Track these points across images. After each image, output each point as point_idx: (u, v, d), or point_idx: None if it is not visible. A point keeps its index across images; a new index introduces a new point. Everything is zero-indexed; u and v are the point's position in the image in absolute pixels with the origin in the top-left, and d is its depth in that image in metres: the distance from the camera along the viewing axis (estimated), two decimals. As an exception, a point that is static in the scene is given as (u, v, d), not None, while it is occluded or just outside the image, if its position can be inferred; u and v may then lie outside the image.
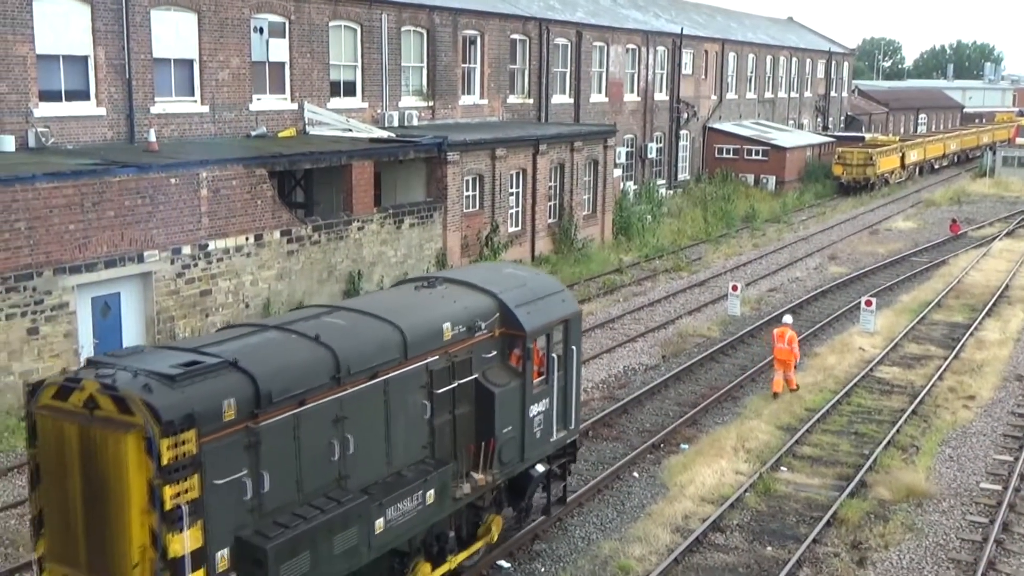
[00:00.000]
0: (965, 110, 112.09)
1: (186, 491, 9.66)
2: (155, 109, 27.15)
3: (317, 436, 11.09)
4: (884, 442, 19.73)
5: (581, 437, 16.72)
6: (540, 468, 15.14)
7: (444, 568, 13.46)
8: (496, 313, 13.89)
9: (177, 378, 9.90)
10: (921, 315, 30.15)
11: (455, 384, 13.08)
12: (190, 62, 28.18)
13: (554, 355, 14.75)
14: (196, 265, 23.46)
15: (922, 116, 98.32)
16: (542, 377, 14.57)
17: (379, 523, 11.66)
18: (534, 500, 15.64)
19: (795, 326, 24.34)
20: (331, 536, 10.93)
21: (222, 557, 10.13)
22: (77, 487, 9.96)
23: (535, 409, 14.45)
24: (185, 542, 9.68)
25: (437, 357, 12.79)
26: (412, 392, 12.44)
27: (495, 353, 13.88)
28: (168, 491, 9.49)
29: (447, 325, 13.06)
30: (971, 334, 28.10)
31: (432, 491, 12.48)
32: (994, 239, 44.35)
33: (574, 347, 15.20)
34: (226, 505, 10.11)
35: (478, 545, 14.26)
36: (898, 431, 20.48)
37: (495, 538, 14.57)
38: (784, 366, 22.90)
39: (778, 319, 29.26)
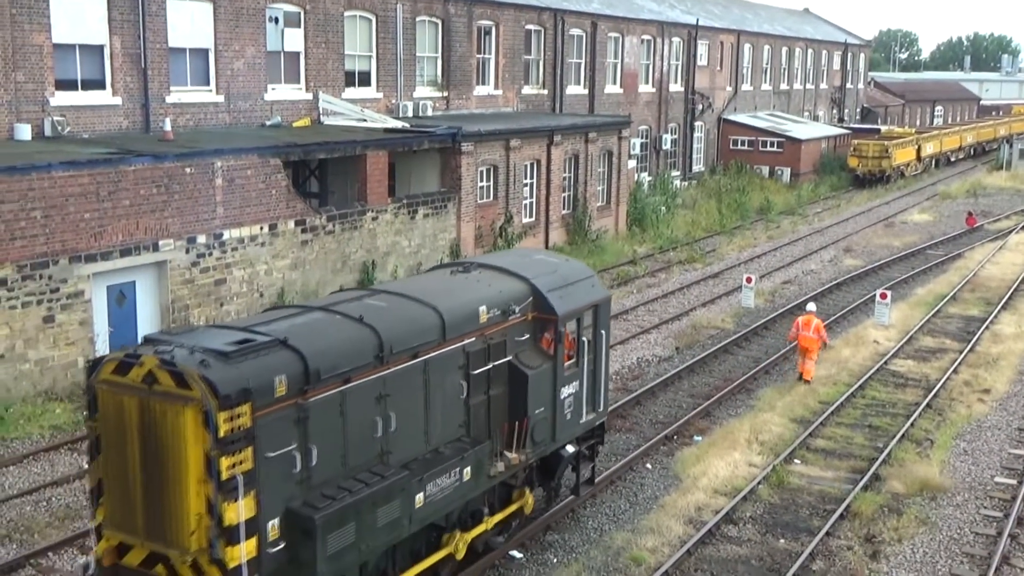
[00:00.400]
0: (982, 102, 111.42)
1: (241, 462, 10.06)
2: (170, 98, 27.20)
3: (361, 413, 11.51)
4: (898, 435, 19.65)
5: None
6: (570, 449, 15.47)
7: (480, 528, 13.88)
8: (529, 297, 14.29)
9: (232, 355, 10.29)
10: (936, 308, 30.00)
11: (490, 366, 13.46)
12: (205, 51, 28.21)
13: (584, 339, 15.11)
14: (211, 254, 23.52)
15: (938, 108, 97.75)
16: (572, 360, 14.91)
17: (419, 497, 12.07)
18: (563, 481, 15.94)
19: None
20: (375, 509, 11.29)
21: (273, 526, 10.51)
22: (136, 458, 10.36)
23: (566, 391, 14.84)
24: (240, 511, 10.05)
25: (473, 339, 13.20)
26: (450, 372, 12.84)
27: (528, 336, 14.28)
28: (224, 462, 9.89)
29: (483, 308, 13.45)
30: (987, 327, 27.95)
31: (469, 468, 12.88)
32: (1010, 232, 44.07)
33: (603, 331, 15.55)
34: (277, 477, 10.51)
35: (513, 507, 14.63)
36: (912, 424, 20.40)
37: (530, 507, 15.03)
38: (809, 355, 22.97)
39: (792, 311, 29.22)
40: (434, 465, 12.38)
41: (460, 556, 13.52)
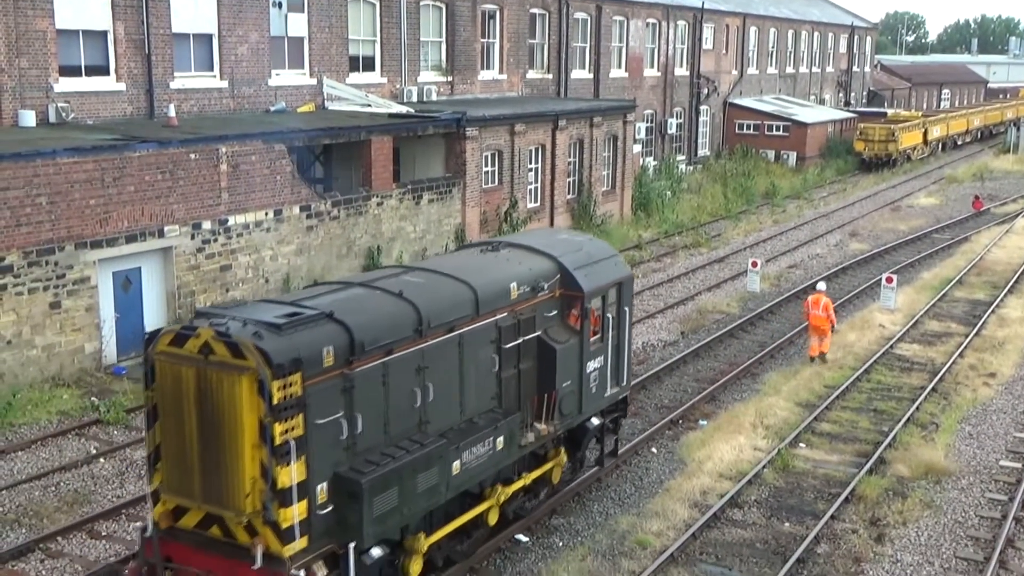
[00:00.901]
0: (989, 85, 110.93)
1: (293, 428, 10.60)
2: (174, 84, 27.21)
3: (402, 383, 12.09)
4: (904, 419, 19.69)
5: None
6: (595, 421, 16.03)
7: (518, 484, 14.46)
8: (556, 275, 14.80)
9: (283, 327, 10.84)
10: (942, 292, 29.99)
11: (520, 340, 13.99)
12: (209, 37, 28.20)
13: (608, 315, 15.64)
14: (216, 240, 23.57)
15: (945, 91, 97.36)
16: (597, 336, 15.44)
17: (456, 465, 12.64)
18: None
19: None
20: (415, 475, 11.88)
21: (321, 490, 11.06)
22: (193, 424, 10.86)
23: (591, 365, 15.35)
24: (292, 474, 10.58)
25: (505, 314, 13.77)
26: (483, 346, 13.38)
27: (555, 312, 14.81)
28: (278, 428, 10.44)
29: (513, 285, 14.00)
30: (993, 311, 27.95)
31: (501, 438, 13.44)
32: (1017, 216, 43.97)
33: (626, 308, 16.12)
34: (325, 443, 11.05)
35: (547, 466, 15.16)
36: (918, 408, 20.44)
37: (563, 463, 15.56)
38: (820, 332, 23.22)
39: (798, 295, 29.24)
40: (469, 434, 12.94)
41: (493, 521, 14.04)
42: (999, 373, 22.86)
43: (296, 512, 10.70)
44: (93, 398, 19.88)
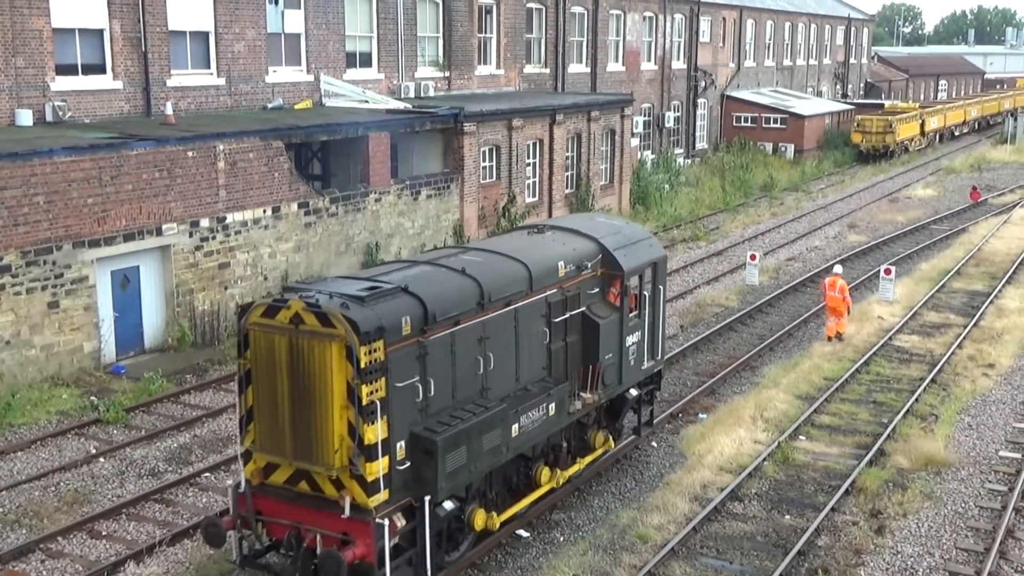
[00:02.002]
0: (986, 76, 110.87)
1: (377, 391, 11.64)
2: (171, 82, 27.13)
3: (467, 352, 13.16)
4: (903, 411, 19.66)
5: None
6: (633, 392, 17.07)
7: (547, 487, 15.19)
8: (598, 255, 15.84)
9: (366, 299, 11.95)
10: (941, 283, 29.95)
11: (567, 315, 15.02)
12: (206, 34, 28.12)
13: (645, 293, 16.71)
14: (214, 238, 23.52)
15: (942, 82, 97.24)
16: (635, 312, 16.49)
17: (515, 427, 13.70)
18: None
19: (814, 295, 24.40)
20: (481, 435, 12.95)
21: (400, 447, 12.13)
22: (285, 388, 11.87)
23: (630, 340, 16.39)
24: (377, 432, 11.64)
25: (554, 291, 14.81)
26: (535, 320, 14.45)
27: (597, 290, 15.86)
28: (365, 389, 11.49)
29: (561, 264, 15.06)
30: (991, 302, 27.91)
31: (553, 404, 14.49)
32: (1015, 206, 43.91)
33: (661, 287, 17.30)
34: (404, 405, 12.13)
35: (590, 458, 16.21)
36: (917, 400, 20.41)
37: (611, 445, 16.65)
38: (837, 313, 23.98)
39: (796, 288, 29.23)
40: (525, 400, 14.01)
41: (545, 481, 14.99)
42: (998, 364, 22.83)
43: (380, 467, 11.73)
44: (92, 397, 19.84)
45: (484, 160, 32.38)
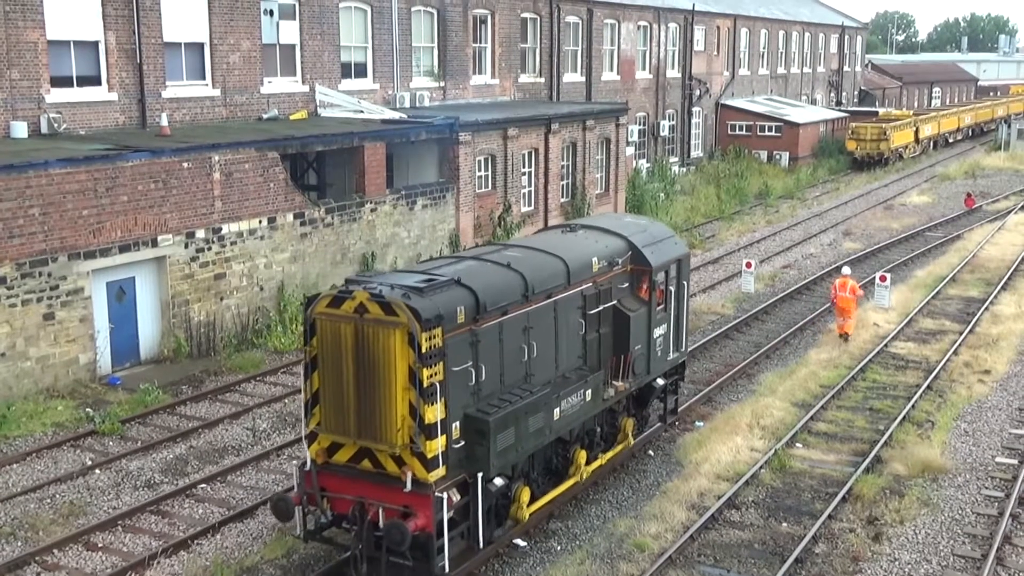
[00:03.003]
0: (979, 83, 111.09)
1: (436, 374, 12.59)
2: (167, 93, 27.14)
3: (513, 340, 14.13)
4: (899, 418, 19.65)
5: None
6: (660, 382, 18.13)
7: (595, 464, 16.42)
8: (628, 252, 16.92)
9: (425, 290, 12.93)
10: (936, 290, 29.98)
11: (600, 308, 16.01)
12: (201, 45, 28.14)
13: (671, 288, 17.73)
14: (210, 249, 23.49)
15: (936, 90, 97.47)
16: (661, 306, 17.52)
17: (556, 411, 14.61)
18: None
19: (810, 302, 24.53)
20: (527, 417, 13.88)
21: (456, 427, 13.06)
22: (351, 372, 12.84)
23: (657, 332, 17.44)
24: (437, 412, 12.57)
25: (589, 285, 15.81)
26: (572, 312, 15.42)
27: (627, 285, 16.92)
28: (425, 372, 12.43)
29: (595, 259, 16.06)
30: (986, 308, 27.93)
31: (589, 391, 15.41)
32: (1009, 213, 43.99)
33: (684, 282, 18.33)
34: (459, 388, 13.09)
35: (619, 448, 17.21)
36: (913, 406, 20.40)
37: (631, 442, 17.51)
38: (846, 314, 24.72)
39: (792, 296, 29.27)
40: (565, 386, 14.93)
41: (583, 479, 16.00)
42: (994, 370, 22.83)
43: (439, 444, 12.67)
44: (88, 409, 19.78)
45: (479, 169, 32.40)
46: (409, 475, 12.66)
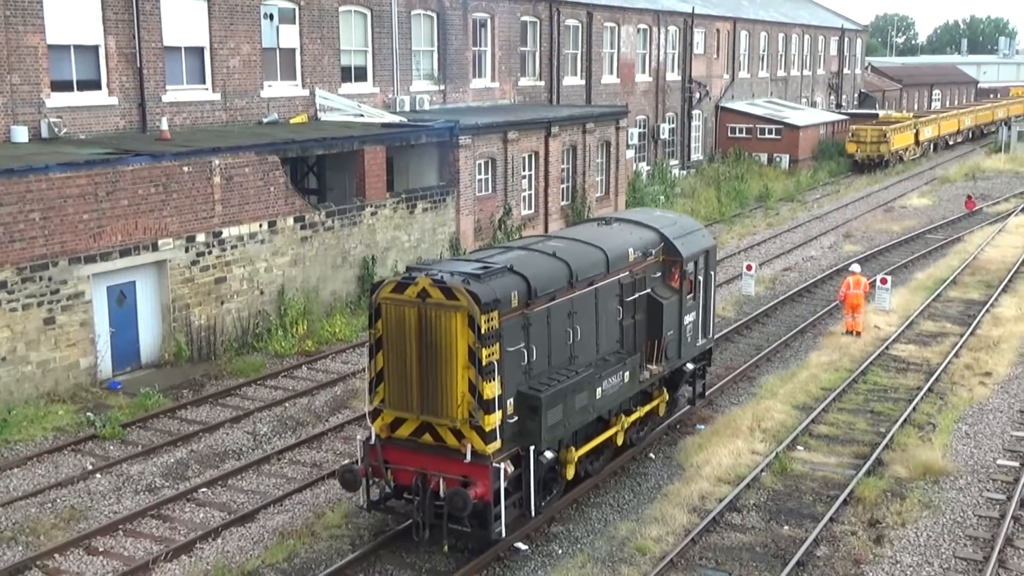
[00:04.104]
0: (979, 85, 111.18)
1: (493, 354, 13.59)
2: (167, 97, 27.17)
3: (559, 324, 15.17)
4: (900, 420, 19.65)
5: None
6: (690, 366, 19.16)
7: (634, 416, 17.50)
8: (660, 243, 18.00)
9: (482, 276, 13.97)
10: (936, 292, 29.98)
11: (636, 295, 17.05)
12: (201, 50, 28.17)
13: (699, 278, 18.76)
14: (210, 252, 23.51)
15: (936, 92, 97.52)
16: (691, 294, 18.54)
17: (599, 391, 15.62)
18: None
19: (811, 305, 24.59)
20: (574, 395, 14.90)
21: (509, 403, 14.08)
22: (414, 352, 13.91)
23: (687, 319, 18.52)
24: (494, 389, 13.59)
25: (626, 274, 16.85)
26: (611, 299, 16.46)
27: (660, 274, 18.02)
28: (484, 352, 13.47)
29: (631, 250, 17.12)
30: (987, 311, 27.93)
31: (627, 372, 16.46)
32: (1010, 215, 44.00)
33: (712, 273, 19.49)
34: (513, 367, 14.11)
35: (656, 401, 18.28)
36: (914, 409, 20.40)
37: (666, 399, 18.70)
38: (856, 310, 25.41)
39: (792, 299, 29.29)
40: (605, 368, 15.93)
41: (620, 442, 17.10)
42: (995, 372, 22.83)
43: (496, 419, 13.67)
44: (89, 413, 19.79)
45: (480, 173, 32.41)
46: (469, 447, 13.67)
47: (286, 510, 16.30)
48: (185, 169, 22.78)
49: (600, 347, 16.22)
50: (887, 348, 24.59)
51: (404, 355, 13.96)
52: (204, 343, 23.42)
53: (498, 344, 13.63)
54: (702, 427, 19.66)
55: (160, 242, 22.37)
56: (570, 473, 15.56)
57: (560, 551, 14.99)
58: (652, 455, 18.43)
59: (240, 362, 23.00)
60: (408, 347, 13.91)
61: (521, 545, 14.97)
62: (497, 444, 13.79)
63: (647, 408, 18.06)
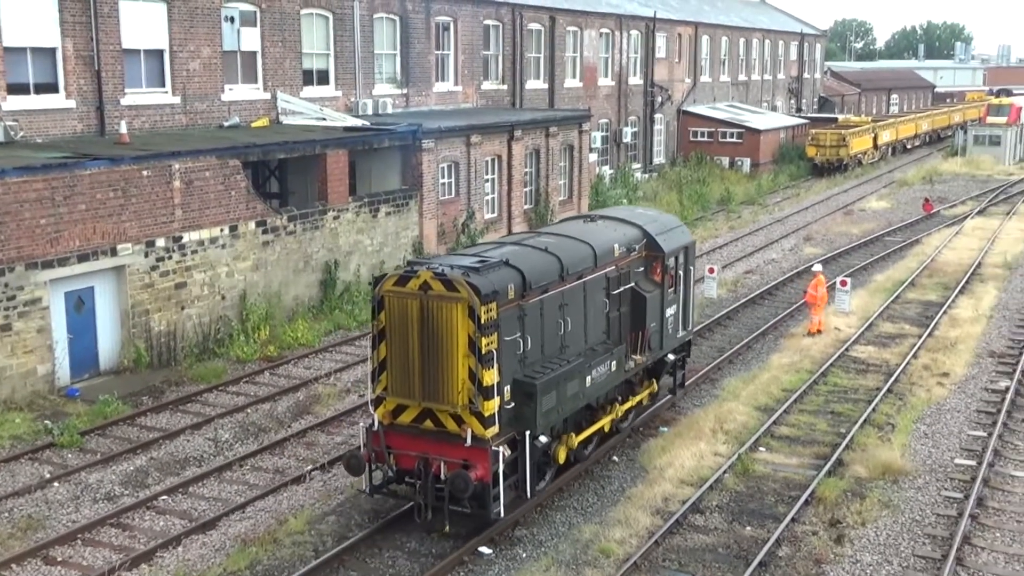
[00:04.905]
0: (936, 90, 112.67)
1: (492, 342, 14.25)
2: (125, 101, 26.88)
3: (551, 315, 15.87)
4: (860, 421, 19.84)
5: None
6: (671, 357, 19.96)
7: (627, 405, 18.56)
8: (643, 239, 18.72)
9: (480, 269, 14.67)
10: (895, 294, 30.32)
11: (621, 288, 17.79)
12: (160, 52, 27.91)
13: (680, 272, 19.59)
14: (170, 257, 23.27)
15: (894, 96, 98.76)
16: (672, 288, 19.31)
17: (588, 379, 16.34)
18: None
19: (772, 307, 24.71)
20: (566, 383, 15.62)
21: (506, 390, 14.74)
22: (416, 342, 14.56)
23: (669, 312, 19.30)
24: (493, 376, 14.24)
25: (612, 268, 17.55)
26: (598, 292, 17.17)
27: (642, 269, 18.72)
28: (484, 341, 14.12)
29: (616, 245, 17.81)
30: (945, 312, 28.28)
31: (614, 362, 17.22)
32: (966, 218, 44.63)
33: (691, 267, 20.19)
34: (509, 356, 14.78)
35: (642, 395, 19.28)
36: (874, 409, 20.61)
37: (655, 390, 19.82)
38: (819, 310, 26.13)
39: (754, 301, 29.50)
40: (594, 357, 16.64)
41: (607, 429, 17.90)
42: (952, 372, 23.12)
43: (495, 404, 14.31)
44: (46, 421, 19.50)
45: (443, 177, 32.36)
46: (469, 432, 14.33)
47: (248, 517, 16.16)
48: (144, 173, 22.55)
49: (588, 338, 16.89)
50: (847, 350, 24.83)
51: (406, 345, 14.58)
52: (164, 349, 23.18)
53: (496, 334, 14.27)
54: (665, 429, 19.74)
55: (119, 247, 22.11)
56: (562, 457, 16.20)
57: (524, 555, 14.98)
58: (616, 458, 18.47)
59: (201, 368, 22.79)
60: (410, 337, 14.53)
61: (485, 549, 14.94)
62: (495, 429, 14.42)
63: (639, 397, 19.01)
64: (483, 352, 14.11)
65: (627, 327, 18.10)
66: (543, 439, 15.33)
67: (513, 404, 14.84)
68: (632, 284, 18.16)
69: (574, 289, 16.41)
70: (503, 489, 14.43)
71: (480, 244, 17.16)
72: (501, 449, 14.43)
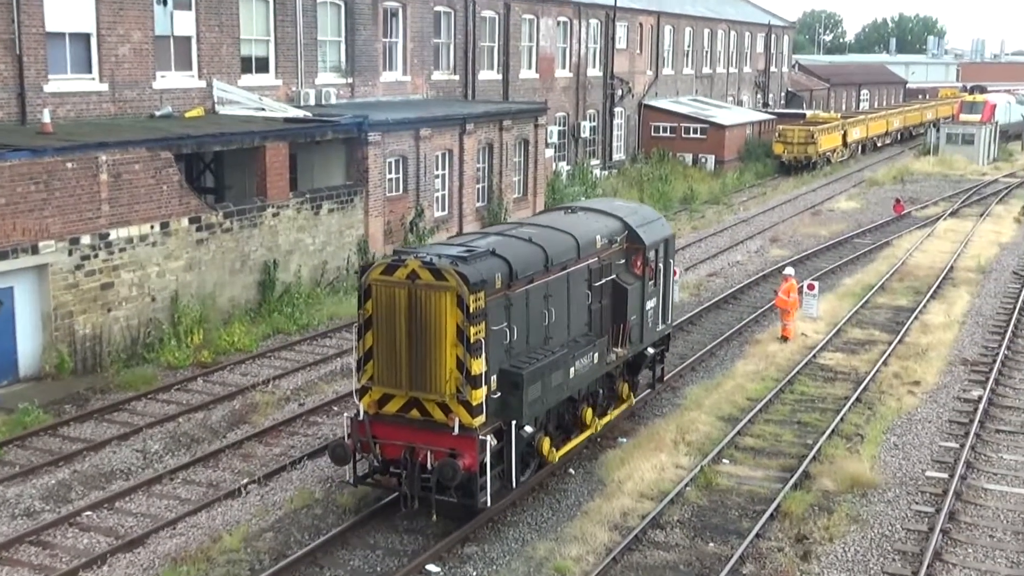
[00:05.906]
0: (908, 85, 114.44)
1: (480, 332, 14.89)
2: (49, 87, 26.49)
3: (536, 306, 16.61)
4: (828, 431, 20.06)
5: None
6: (651, 351, 20.64)
7: (605, 419, 19.21)
8: (624, 231, 19.48)
9: (468, 259, 15.33)
10: (865, 299, 30.72)
11: (603, 280, 18.44)
12: (87, 36, 27.53)
13: (660, 265, 20.31)
14: (96, 256, 22.98)
15: (864, 92, 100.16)
16: (652, 281, 20.02)
17: (572, 370, 17.05)
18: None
19: (736, 312, 24.88)
20: (551, 373, 16.36)
21: (493, 380, 15.42)
22: (403, 331, 15.16)
23: (649, 305, 20.00)
24: (480, 365, 14.92)
25: (594, 260, 18.28)
26: (581, 283, 17.88)
27: (623, 261, 19.48)
28: (472, 330, 14.77)
29: (598, 237, 18.58)
30: (915, 318, 28.69)
31: (596, 354, 17.92)
32: (938, 219, 45.34)
33: (671, 261, 21.13)
34: (496, 345, 15.44)
35: (623, 407, 20.01)
36: (842, 419, 20.86)
37: (632, 402, 20.43)
38: (790, 315, 26.61)
39: (718, 305, 29.74)
40: (577, 348, 17.34)
41: (589, 420, 18.42)
42: (923, 381, 23.45)
43: (482, 393, 14.98)
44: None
45: (390, 172, 32.28)
46: (456, 420, 14.96)
47: (179, 534, 16.00)
48: (68, 165, 22.25)
49: (571, 329, 17.60)
50: (814, 356, 25.12)
51: (394, 334, 15.18)
52: (89, 354, 22.88)
53: (484, 323, 14.91)
54: (624, 440, 19.82)
55: (41, 244, 21.79)
56: (546, 448, 16.84)
57: (474, 573, 14.97)
58: (572, 470, 18.52)
59: (129, 374, 22.53)
60: (398, 326, 15.13)
61: (433, 567, 14.93)
62: (483, 418, 15.05)
63: (624, 390, 19.81)
64: (471, 341, 14.73)
65: (608, 320, 18.72)
66: (528, 429, 15.93)
67: (499, 394, 15.50)
68: (614, 276, 18.81)
69: (558, 280, 17.10)
70: (490, 478, 15.02)
71: (466, 235, 17.76)
72: (488, 438, 15.03)
